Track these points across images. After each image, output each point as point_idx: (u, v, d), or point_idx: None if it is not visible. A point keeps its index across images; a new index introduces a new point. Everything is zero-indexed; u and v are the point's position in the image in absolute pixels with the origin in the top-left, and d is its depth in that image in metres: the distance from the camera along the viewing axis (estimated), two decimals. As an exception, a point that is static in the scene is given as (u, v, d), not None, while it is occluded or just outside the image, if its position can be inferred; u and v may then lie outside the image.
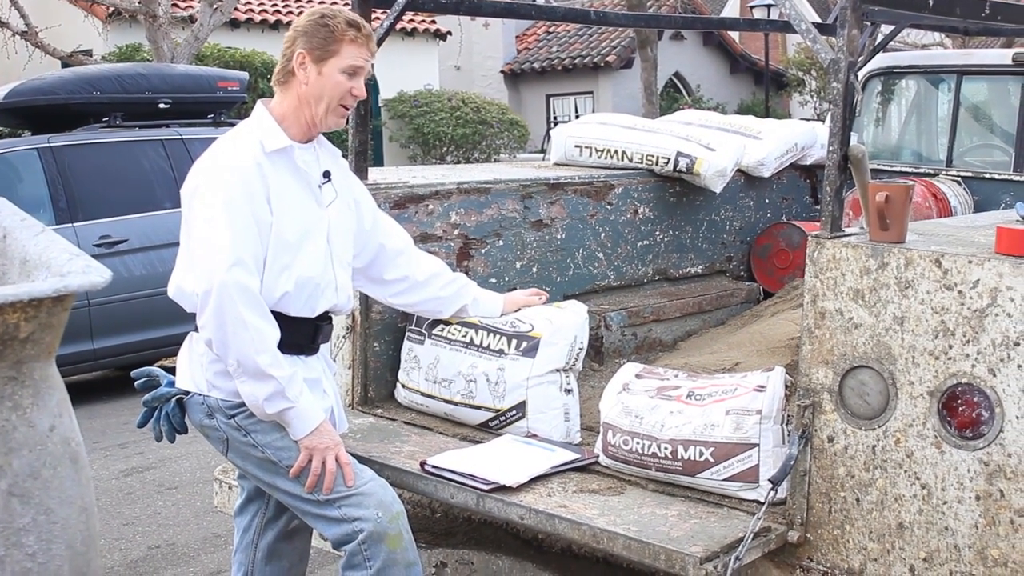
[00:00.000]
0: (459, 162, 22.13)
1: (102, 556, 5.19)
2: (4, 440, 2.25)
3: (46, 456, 2.30)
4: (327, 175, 3.28)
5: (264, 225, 3.08)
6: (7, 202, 2.75)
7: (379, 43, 4.03)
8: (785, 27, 3.17)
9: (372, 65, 3.27)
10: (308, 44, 3.15)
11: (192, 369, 3.29)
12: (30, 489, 2.28)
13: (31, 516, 2.27)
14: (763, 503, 2.91)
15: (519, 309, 3.74)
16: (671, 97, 28.83)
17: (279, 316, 3.11)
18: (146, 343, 8.59)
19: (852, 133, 2.93)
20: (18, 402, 2.29)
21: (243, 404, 3.14)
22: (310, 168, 3.24)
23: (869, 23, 5.32)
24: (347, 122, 4.04)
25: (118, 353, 8.54)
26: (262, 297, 3.07)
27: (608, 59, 27.73)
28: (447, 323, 3.70)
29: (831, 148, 2.85)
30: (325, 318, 3.30)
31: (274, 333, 3.06)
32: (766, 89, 26.60)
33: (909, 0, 3.20)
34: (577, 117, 28.51)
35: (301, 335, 3.21)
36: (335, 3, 21.91)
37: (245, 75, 10.55)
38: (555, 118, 29.55)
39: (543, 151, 24.30)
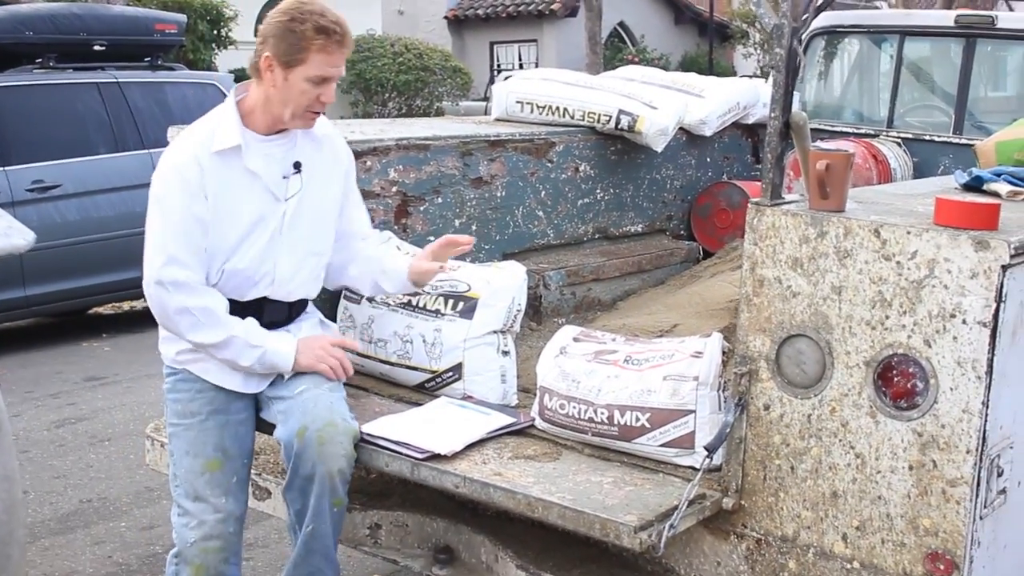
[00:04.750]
0: (401, 109, 21.95)
1: (31, 510, 5.12)
2: (-77, 406, 2.18)
3: (-34, 423, 2.24)
4: (297, 166, 3.23)
5: (203, 220, 3.11)
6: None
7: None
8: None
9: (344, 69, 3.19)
10: (275, 49, 3.07)
11: None
12: (-51, 456, 2.21)
13: (-49, 483, 2.21)
14: (698, 470, 2.90)
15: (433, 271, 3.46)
16: (615, 47, 28.76)
17: None
18: (79, 290, 8.51)
19: (794, 93, 2.90)
20: (-63, 367, 2.22)
21: (172, 368, 3.30)
22: (268, 164, 3.19)
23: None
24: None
25: (51, 300, 8.41)
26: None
27: (553, 7, 27.58)
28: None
29: (773, 115, 2.82)
30: (269, 300, 3.30)
31: (220, 303, 3.17)
32: (710, 41, 26.60)
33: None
34: (521, 66, 28.53)
35: (240, 312, 3.23)
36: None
37: (183, 17, 10.35)
38: (499, 66, 29.36)
39: (486, 98, 24.18)
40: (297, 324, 3.40)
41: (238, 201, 3.15)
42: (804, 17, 2.83)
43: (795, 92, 3.07)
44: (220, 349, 3.17)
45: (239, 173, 3.16)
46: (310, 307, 3.48)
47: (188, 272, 3.10)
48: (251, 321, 3.21)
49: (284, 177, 3.22)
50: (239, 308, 3.23)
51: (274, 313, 3.32)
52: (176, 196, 3.10)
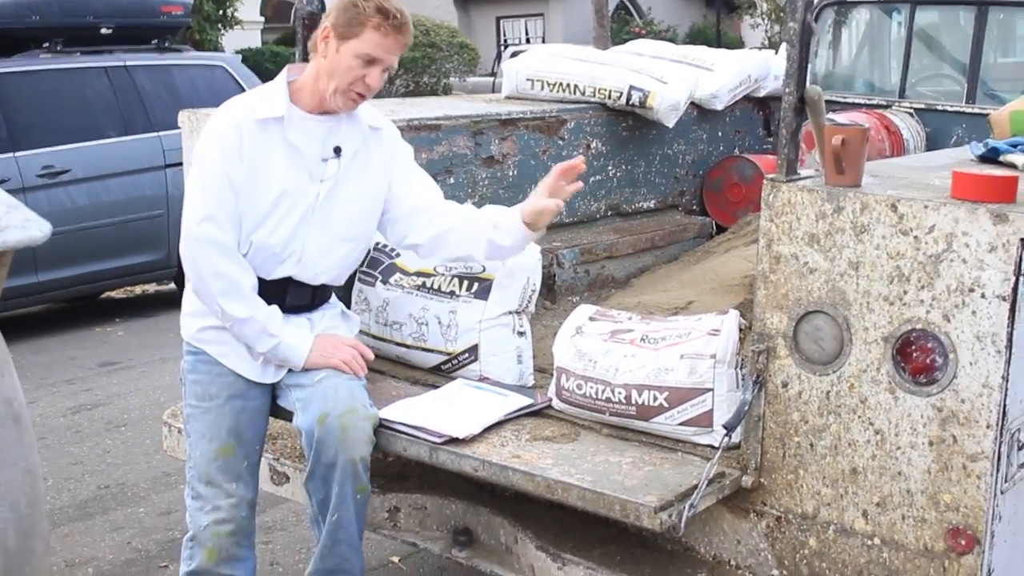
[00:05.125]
0: (408, 86, 21.88)
1: (49, 497, 5.14)
2: (-59, 400, 2.18)
3: (-15, 416, 2.23)
4: (337, 151, 3.24)
5: (238, 184, 3.15)
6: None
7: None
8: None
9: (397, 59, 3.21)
10: (335, 19, 3.13)
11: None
12: (-31, 451, 2.21)
13: (-29, 477, 2.22)
14: (717, 448, 2.90)
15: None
16: (622, 20, 28.67)
17: None
18: (91, 275, 8.49)
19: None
20: (-46, 361, 2.21)
21: (192, 347, 3.32)
22: (309, 141, 3.22)
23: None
24: (295, 56, 3.98)
25: (63, 286, 8.39)
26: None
27: (559, -20, 27.46)
28: (403, 271, 3.64)
29: (787, 90, 2.80)
30: (294, 282, 3.30)
31: (249, 279, 3.21)
32: (717, 12, 26.47)
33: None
34: (528, 40, 28.46)
35: (263, 291, 3.25)
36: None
37: (189, -1, 10.33)
38: (505, 41, 29.32)
39: (493, 74, 24.14)
40: (319, 312, 3.41)
41: (273, 171, 3.19)
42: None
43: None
44: (240, 325, 3.19)
45: (279, 144, 3.20)
46: (332, 297, 3.48)
47: (223, 233, 3.15)
48: (274, 308, 3.23)
49: (323, 159, 3.25)
50: (264, 287, 3.25)
51: (298, 296, 3.33)
52: (215, 157, 3.16)
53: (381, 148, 3.37)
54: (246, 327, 3.19)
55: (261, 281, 3.25)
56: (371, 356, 3.35)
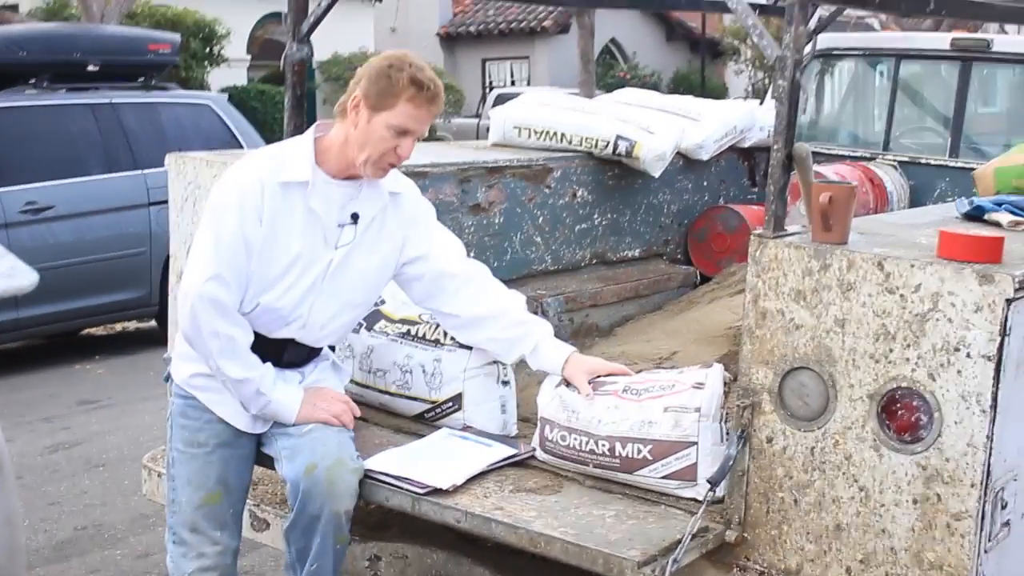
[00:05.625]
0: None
1: (27, 538, 5.08)
2: (-79, 447, 2.16)
3: (-33, 464, 2.21)
4: (355, 217, 3.20)
5: (253, 245, 3.09)
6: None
7: (319, 20, 3.95)
8: (727, 9, 3.10)
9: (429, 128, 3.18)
10: (367, 89, 3.06)
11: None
12: (-51, 497, 2.19)
13: (-50, 525, 2.19)
14: (701, 502, 2.89)
15: (591, 379, 3.24)
16: (607, 64, 28.82)
17: None
18: (72, 312, 8.44)
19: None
20: (-63, 407, 2.20)
21: (182, 391, 3.28)
22: (328, 207, 3.16)
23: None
24: (285, 103, 3.99)
25: (44, 322, 8.35)
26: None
27: (545, 24, 27.65)
28: (388, 318, 3.64)
29: (775, 147, 2.82)
30: (294, 343, 3.28)
31: (246, 338, 3.16)
32: (702, 58, 26.66)
33: (856, -2, 3.16)
34: (513, 83, 28.56)
35: (260, 347, 3.22)
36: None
37: (177, 37, 10.34)
38: (491, 83, 29.43)
39: (478, 116, 24.22)
40: (311, 365, 3.39)
41: (290, 235, 3.13)
42: (806, 50, 2.83)
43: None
44: (234, 385, 3.16)
45: (299, 209, 3.13)
46: (325, 349, 3.46)
47: (228, 293, 3.09)
48: (268, 367, 3.20)
49: (340, 225, 3.19)
50: (263, 344, 3.21)
51: (295, 355, 3.31)
52: (233, 214, 3.08)
53: (399, 212, 3.31)
54: (240, 387, 3.16)
55: (261, 338, 3.20)
56: (358, 412, 3.33)
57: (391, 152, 3.10)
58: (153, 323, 9.33)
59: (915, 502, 2.65)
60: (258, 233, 3.09)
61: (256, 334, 3.19)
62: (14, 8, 16.11)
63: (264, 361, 3.21)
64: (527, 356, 3.35)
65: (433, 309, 3.44)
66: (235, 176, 3.16)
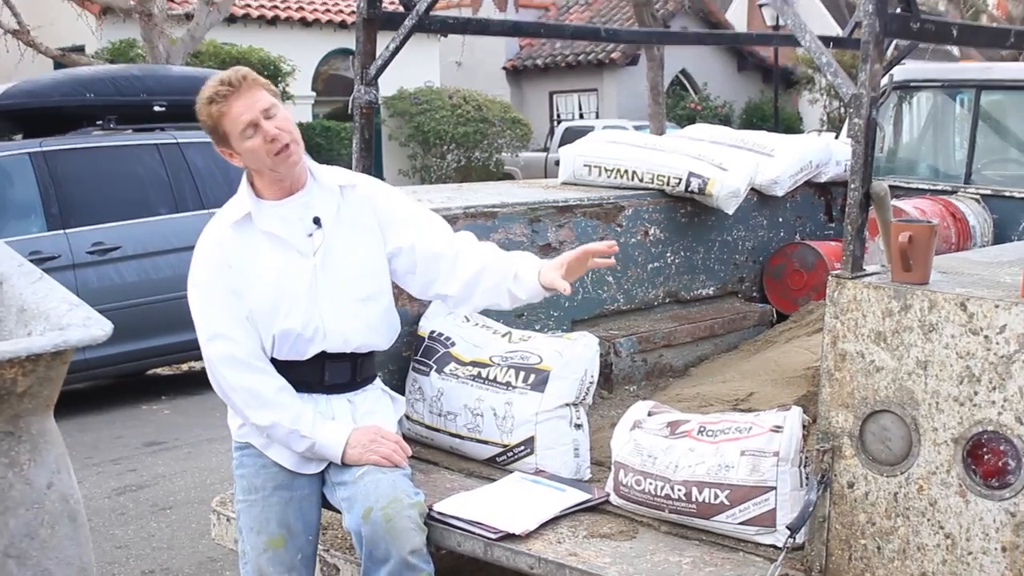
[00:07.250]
0: (460, 161, 21.99)
1: (99, 580, 5.10)
2: (0, 499, 2.16)
3: (43, 515, 2.22)
4: (317, 221, 3.26)
5: (239, 291, 3.20)
6: (3, 245, 2.66)
7: (387, 64, 3.97)
8: (798, 43, 3.05)
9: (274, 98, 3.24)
10: (214, 140, 3.24)
11: None
12: (27, 550, 2.19)
13: (26, 576, 2.19)
14: (781, 549, 2.82)
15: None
16: (677, 95, 28.72)
17: (274, 361, 3.26)
18: (139, 352, 8.46)
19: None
20: (15, 458, 2.21)
21: (238, 442, 3.36)
22: (288, 226, 3.25)
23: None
24: (353, 145, 4.00)
25: (111, 363, 8.34)
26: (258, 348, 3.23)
27: (613, 56, 27.63)
28: (459, 360, 3.61)
29: (852, 186, 2.76)
30: (330, 356, 3.28)
31: (269, 382, 3.22)
32: (775, 88, 26.40)
33: (933, 33, 3.09)
34: (581, 116, 28.58)
35: (301, 375, 3.26)
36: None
37: (241, 75, 10.40)
38: (558, 116, 29.45)
39: (546, 149, 24.24)
40: (362, 394, 3.38)
41: (262, 264, 3.22)
42: (883, 82, 2.77)
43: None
44: (269, 431, 3.22)
45: (258, 238, 3.24)
46: (376, 380, 3.46)
47: (234, 344, 3.19)
48: (304, 408, 3.23)
49: (309, 235, 3.27)
50: (303, 370, 3.25)
51: (336, 374, 3.32)
52: (207, 277, 3.23)
53: (362, 202, 3.36)
54: (274, 432, 3.21)
55: (297, 364, 3.25)
56: (409, 451, 3.31)
57: (266, 143, 3.15)
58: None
59: (1004, 550, 2.56)
60: (235, 277, 3.21)
61: (294, 363, 3.25)
62: (80, 50, 16.34)
63: (311, 388, 3.27)
64: (513, 291, 3.32)
65: (435, 295, 3.46)
66: (198, 249, 3.29)
